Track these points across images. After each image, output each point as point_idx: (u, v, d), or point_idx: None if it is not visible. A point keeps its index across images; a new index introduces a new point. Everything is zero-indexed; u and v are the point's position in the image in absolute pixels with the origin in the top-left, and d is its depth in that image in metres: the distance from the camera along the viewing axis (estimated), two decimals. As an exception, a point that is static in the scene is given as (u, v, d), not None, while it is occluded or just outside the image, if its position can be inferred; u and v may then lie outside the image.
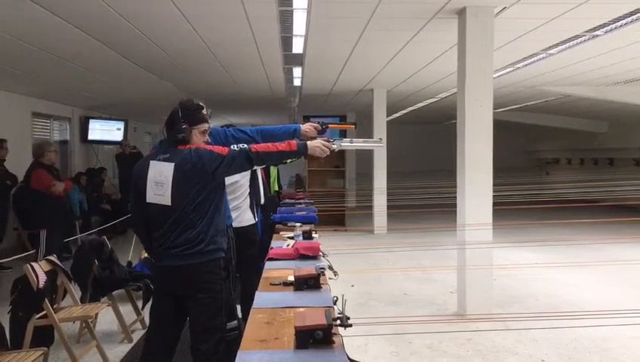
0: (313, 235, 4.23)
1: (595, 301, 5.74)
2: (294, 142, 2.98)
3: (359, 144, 3.44)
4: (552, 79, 9.02)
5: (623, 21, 5.35)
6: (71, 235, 7.69)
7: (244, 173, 4.02)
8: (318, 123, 3.43)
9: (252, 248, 4.31)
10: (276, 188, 8.10)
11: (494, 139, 5.25)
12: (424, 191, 9.50)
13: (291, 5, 4.97)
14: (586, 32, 5.81)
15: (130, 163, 9.57)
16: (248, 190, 4.34)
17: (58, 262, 4.31)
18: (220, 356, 2.89)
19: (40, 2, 4.55)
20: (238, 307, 3.99)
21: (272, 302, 2.63)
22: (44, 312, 3.90)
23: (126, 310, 4.98)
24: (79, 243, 5.47)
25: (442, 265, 6.29)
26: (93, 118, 11.84)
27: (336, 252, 3.89)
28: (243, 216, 4.29)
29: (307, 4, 4.93)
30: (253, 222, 4.38)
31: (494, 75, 5.75)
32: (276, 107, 13.31)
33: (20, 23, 5.24)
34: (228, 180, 3.27)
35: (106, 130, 12.15)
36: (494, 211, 5.28)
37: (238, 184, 4.16)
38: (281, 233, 4.62)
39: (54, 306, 4.14)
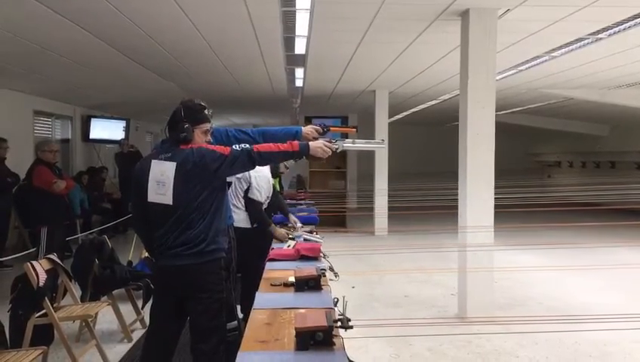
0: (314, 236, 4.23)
1: (597, 304, 5.73)
2: (296, 142, 2.97)
3: (361, 145, 3.44)
4: (555, 82, 9.00)
5: (627, 24, 5.35)
6: (72, 234, 7.69)
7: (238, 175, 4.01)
8: (320, 125, 3.43)
9: (252, 248, 4.31)
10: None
11: (496, 142, 5.24)
12: (426, 193, 9.49)
13: (294, 6, 4.96)
14: (590, 34, 5.80)
15: (129, 162, 9.58)
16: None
17: (58, 261, 4.31)
18: (220, 356, 2.88)
19: (42, 0, 4.55)
20: (238, 307, 3.99)
21: (273, 303, 2.63)
22: (44, 311, 3.90)
23: (126, 309, 4.97)
24: (80, 242, 5.47)
25: (443, 268, 6.28)
26: (94, 116, 11.84)
27: (337, 253, 3.89)
28: (242, 216, 4.29)
29: (310, 5, 4.93)
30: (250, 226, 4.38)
31: (497, 77, 5.74)
32: (278, 107, 13.30)
33: (23, 21, 5.24)
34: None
35: (107, 129, 12.15)
36: (496, 213, 5.27)
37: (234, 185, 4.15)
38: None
39: (54, 305, 4.14)
